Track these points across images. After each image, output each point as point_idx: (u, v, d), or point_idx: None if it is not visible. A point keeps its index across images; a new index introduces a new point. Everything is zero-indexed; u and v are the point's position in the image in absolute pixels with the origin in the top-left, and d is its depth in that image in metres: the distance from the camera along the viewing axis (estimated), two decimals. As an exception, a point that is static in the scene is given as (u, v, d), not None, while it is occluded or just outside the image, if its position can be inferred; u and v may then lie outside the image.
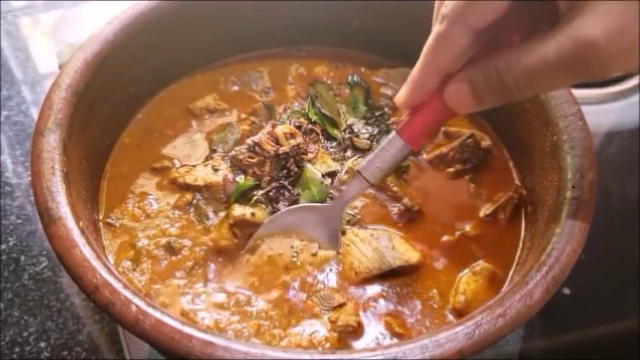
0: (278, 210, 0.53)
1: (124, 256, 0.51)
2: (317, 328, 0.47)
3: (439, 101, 0.42)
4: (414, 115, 0.44)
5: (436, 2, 0.41)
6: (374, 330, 0.47)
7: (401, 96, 0.44)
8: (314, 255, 0.51)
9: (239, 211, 0.52)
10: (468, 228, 0.54)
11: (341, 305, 0.48)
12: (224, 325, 0.46)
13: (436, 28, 0.39)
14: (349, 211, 0.54)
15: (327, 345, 0.46)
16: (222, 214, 0.53)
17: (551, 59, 0.35)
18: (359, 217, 0.54)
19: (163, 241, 0.52)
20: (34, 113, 0.86)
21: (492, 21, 0.37)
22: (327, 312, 0.48)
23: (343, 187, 0.53)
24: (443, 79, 0.41)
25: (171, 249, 0.51)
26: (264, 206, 0.54)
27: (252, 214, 0.52)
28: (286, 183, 0.55)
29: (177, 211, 0.54)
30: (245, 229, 0.52)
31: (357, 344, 0.46)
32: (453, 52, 0.39)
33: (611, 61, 0.34)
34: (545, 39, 0.35)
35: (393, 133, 0.45)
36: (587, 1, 0.34)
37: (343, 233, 0.52)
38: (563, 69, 0.35)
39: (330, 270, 0.50)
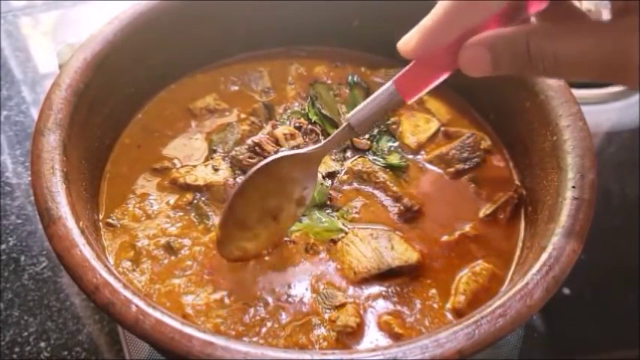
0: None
1: (124, 256, 0.51)
2: (316, 327, 0.47)
3: (448, 58, 0.39)
4: (416, 66, 0.42)
5: None
6: (373, 330, 0.47)
7: (408, 43, 0.39)
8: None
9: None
10: (467, 228, 0.54)
11: (342, 305, 0.48)
12: (224, 324, 0.46)
13: None
14: (349, 210, 0.55)
15: (325, 344, 0.46)
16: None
17: (589, 56, 0.34)
18: (359, 216, 0.54)
19: (163, 241, 0.52)
20: (34, 113, 0.86)
21: None
22: (328, 311, 0.48)
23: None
24: (460, 37, 0.38)
25: (171, 249, 0.51)
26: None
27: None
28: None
29: (177, 211, 0.54)
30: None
31: (357, 343, 0.46)
32: (485, 11, 0.36)
33: None
34: (590, 33, 0.34)
35: (390, 83, 0.43)
36: None
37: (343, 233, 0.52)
38: (598, 68, 0.34)
39: (330, 269, 0.50)
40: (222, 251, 0.48)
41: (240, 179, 0.55)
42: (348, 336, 0.46)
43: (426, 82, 0.42)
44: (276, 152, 0.56)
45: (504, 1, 0.36)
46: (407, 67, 0.42)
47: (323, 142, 0.48)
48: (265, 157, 0.55)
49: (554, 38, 0.35)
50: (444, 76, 0.42)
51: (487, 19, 0.37)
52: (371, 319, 0.48)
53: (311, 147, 0.49)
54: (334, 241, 0.52)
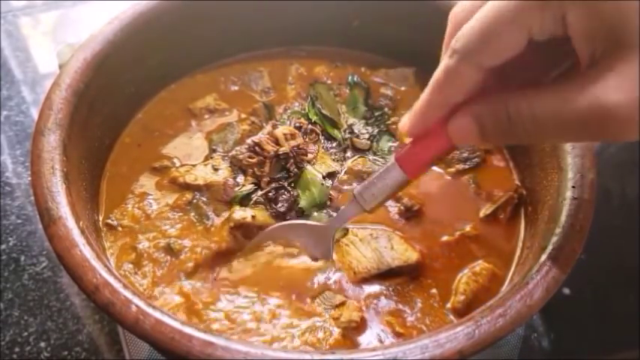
0: (278, 211, 0.53)
1: (126, 259, 0.51)
2: (320, 326, 0.47)
3: (443, 132, 0.40)
4: (415, 144, 0.43)
5: (447, 33, 0.40)
6: (376, 327, 0.47)
7: (405, 124, 0.42)
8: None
9: (239, 214, 0.52)
10: (467, 228, 0.54)
11: (342, 303, 0.48)
12: (225, 325, 0.46)
13: (445, 62, 0.37)
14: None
15: (332, 341, 0.46)
16: (224, 214, 0.53)
17: (565, 116, 0.33)
18: (358, 216, 0.54)
19: (163, 242, 0.52)
20: (34, 113, 0.86)
21: (505, 61, 0.35)
22: (329, 310, 0.48)
23: (340, 209, 0.52)
24: (449, 111, 0.39)
25: (171, 250, 0.51)
26: (264, 208, 0.54)
27: (253, 216, 0.52)
28: (286, 184, 0.55)
29: (177, 212, 0.54)
30: (246, 232, 0.52)
31: (362, 339, 0.46)
32: (462, 88, 0.37)
33: (632, 130, 0.32)
34: (563, 93, 0.33)
35: (393, 160, 0.44)
36: (613, 62, 0.31)
37: (343, 233, 0.52)
38: (577, 128, 0.33)
39: (330, 271, 0.50)
40: None
41: (240, 179, 0.56)
42: (353, 331, 0.46)
43: (427, 157, 0.43)
44: (276, 152, 0.56)
45: (482, 74, 0.36)
46: (408, 145, 0.43)
47: (333, 218, 0.50)
48: (265, 157, 0.55)
49: (532, 102, 0.34)
50: (445, 151, 0.42)
51: (471, 93, 0.38)
52: (371, 315, 0.48)
53: (322, 223, 0.51)
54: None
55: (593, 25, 0.32)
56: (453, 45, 0.36)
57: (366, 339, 0.47)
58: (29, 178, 0.62)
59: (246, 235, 0.52)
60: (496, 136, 0.37)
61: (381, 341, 0.46)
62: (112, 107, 0.59)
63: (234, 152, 0.57)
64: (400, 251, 0.50)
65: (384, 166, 0.44)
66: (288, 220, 0.53)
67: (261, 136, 0.57)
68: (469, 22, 0.35)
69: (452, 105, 0.39)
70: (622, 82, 0.31)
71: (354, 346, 0.46)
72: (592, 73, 0.32)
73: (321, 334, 0.46)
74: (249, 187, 0.55)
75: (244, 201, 0.54)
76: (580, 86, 0.32)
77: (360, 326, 0.47)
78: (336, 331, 0.46)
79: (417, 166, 0.43)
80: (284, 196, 0.54)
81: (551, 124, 0.34)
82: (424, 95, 0.40)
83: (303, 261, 0.51)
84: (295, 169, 0.56)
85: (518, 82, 0.37)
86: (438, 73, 0.38)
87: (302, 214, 0.54)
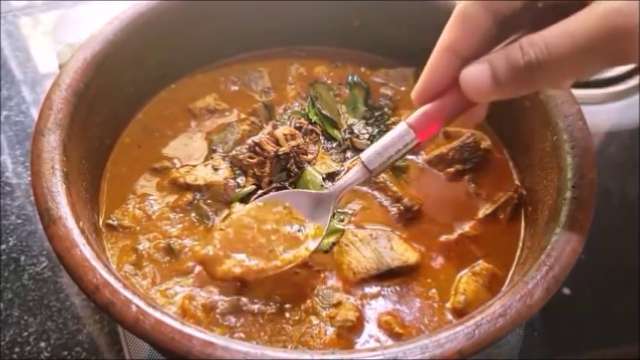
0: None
1: (126, 260, 0.51)
2: (316, 325, 0.47)
3: (454, 93, 0.40)
4: (426, 106, 0.42)
5: None
6: (373, 328, 0.47)
7: (417, 88, 0.41)
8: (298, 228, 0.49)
9: (239, 209, 0.52)
10: (467, 228, 0.54)
11: (339, 303, 0.48)
12: (225, 325, 0.46)
13: (460, 7, 0.37)
14: (348, 211, 0.55)
15: (326, 340, 0.46)
16: (224, 212, 0.53)
17: (578, 38, 0.33)
18: (358, 217, 0.54)
19: (164, 242, 0.52)
20: (34, 113, 0.86)
21: (516, 10, 0.35)
22: (326, 309, 0.48)
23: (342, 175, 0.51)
24: (458, 71, 0.39)
25: (171, 251, 0.51)
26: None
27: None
28: (286, 184, 0.55)
29: (177, 212, 0.54)
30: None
31: (357, 339, 0.46)
32: (473, 33, 0.37)
33: None
34: (573, 18, 0.33)
35: (402, 122, 0.44)
36: None
37: (340, 233, 0.52)
38: (592, 49, 0.33)
39: (329, 270, 0.50)
40: (211, 270, 0.47)
41: (240, 180, 0.56)
42: (349, 330, 0.46)
43: (440, 120, 0.42)
44: (276, 152, 0.56)
45: (493, 21, 0.36)
46: (420, 109, 0.43)
47: (336, 183, 0.49)
48: (265, 158, 0.55)
49: (544, 33, 0.34)
50: (456, 111, 0.42)
51: (481, 44, 0.38)
52: (370, 315, 0.48)
53: (324, 191, 0.50)
54: (333, 242, 0.52)
55: None
56: None
57: (362, 339, 0.46)
58: (29, 178, 0.62)
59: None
60: (510, 80, 0.36)
61: (377, 341, 0.46)
62: (112, 107, 0.59)
63: (234, 152, 0.57)
64: (400, 251, 0.50)
65: (392, 129, 0.44)
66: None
67: (261, 137, 0.57)
68: None
69: (463, 57, 0.38)
70: None
71: (349, 345, 0.46)
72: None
73: (315, 333, 0.46)
74: (249, 187, 0.55)
75: (245, 201, 0.54)
76: (590, 7, 0.32)
77: (357, 326, 0.47)
78: (331, 330, 0.46)
79: (427, 127, 0.43)
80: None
81: (565, 50, 0.33)
82: (435, 49, 0.39)
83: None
84: (295, 170, 0.56)
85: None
86: (449, 21, 0.37)
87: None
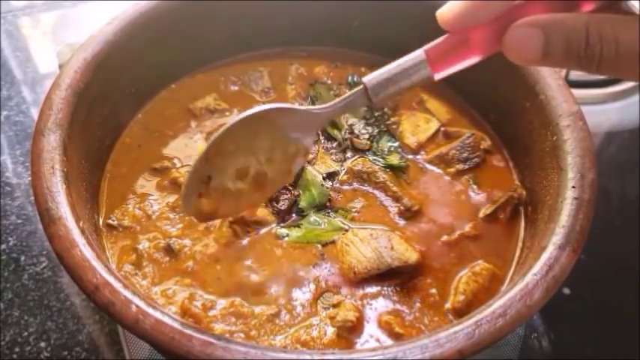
0: (278, 210, 0.53)
1: (126, 260, 0.51)
2: (316, 325, 0.47)
3: (487, 34, 0.36)
4: (449, 37, 0.38)
5: None
6: (373, 328, 0.47)
7: (447, 13, 0.36)
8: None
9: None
10: (467, 228, 0.54)
11: (339, 303, 0.48)
12: (225, 325, 0.46)
13: None
14: (350, 209, 0.55)
15: (326, 340, 0.46)
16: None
17: None
18: (358, 216, 0.55)
19: (164, 242, 0.52)
20: (34, 113, 0.86)
21: None
22: (325, 309, 0.48)
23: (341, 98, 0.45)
24: (502, 16, 0.35)
25: (171, 251, 0.51)
26: (264, 205, 0.54)
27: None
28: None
29: (177, 212, 0.54)
30: (246, 227, 0.52)
31: (357, 339, 0.46)
32: None
33: None
34: None
35: (420, 52, 0.39)
36: None
37: (342, 231, 0.52)
38: None
39: (329, 270, 0.50)
40: (187, 206, 0.45)
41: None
42: (349, 331, 0.46)
43: (459, 58, 0.38)
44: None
45: None
46: (441, 39, 0.38)
47: (332, 102, 0.44)
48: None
49: (617, 27, 0.32)
50: (479, 57, 0.38)
51: None
52: (370, 315, 0.48)
53: (317, 106, 0.45)
54: (334, 242, 0.52)
55: None
56: None
57: (362, 339, 0.46)
58: (29, 178, 0.62)
59: (245, 230, 0.52)
60: (562, 57, 0.34)
61: (377, 341, 0.46)
62: (112, 107, 0.59)
63: (234, 152, 0.57)
64: (400, 251, 0.50)
65: (407, 57, 0.40)
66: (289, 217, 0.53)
67: (261, 136, 0.57)
68: None
69: (513, 5, 0.34)
70: None
71: (349, 345, 0.46)
72: None
73: (315, 333, 0.46)
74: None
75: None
76: None
77: (357, 326, 0.47)
78: (331, 330, 0.46)
79: (445, 64, 0.39)
80: (285, 195, 0.54)
81: (634, 54, 0.31)
82: None
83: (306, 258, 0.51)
84: (295, 169, 0.56)
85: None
86: None
87: (302, 213, 0.54)
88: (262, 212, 0.53)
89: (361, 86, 0.41)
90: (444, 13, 0.37)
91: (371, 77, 0.41)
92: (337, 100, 0.44)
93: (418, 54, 0.39)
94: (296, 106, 0.45)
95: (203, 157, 0.44)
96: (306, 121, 0.44)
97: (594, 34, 0.32)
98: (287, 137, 0.45)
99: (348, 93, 0.42)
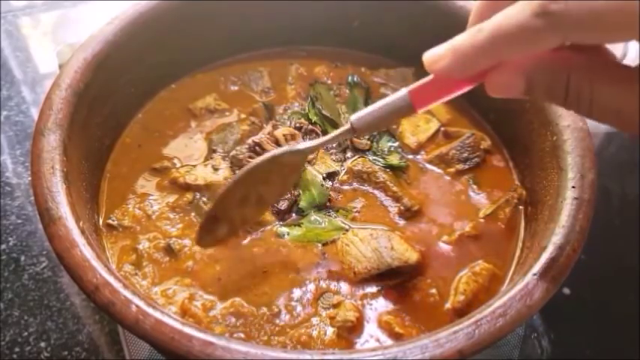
0: (278, 210, 0.53)
1: (126, 260, 0.51)
2: (316, 325, 0.47)
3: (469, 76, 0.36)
4: (434, 79, 0.39)
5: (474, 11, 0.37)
6: (373, 328, 0.47)
7: (437, 62, 0.36)
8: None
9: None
10: (467, 228, 0.54)
11: (339, 303, 0.48)
12: (225, 325, 0.46)
13: (525, 18, 0.31)
14: (350, 209, 0.55)
15: (326, 340, 0.46)
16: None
17: (627, 109, 0.31)
18: (359, 216, 0.55)
19: (164, 242, 0.52)
20: (34, 113, 0.86)
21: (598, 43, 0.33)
22: (326, 309, 0.48)
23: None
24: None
25: (171, 251, 0.51)
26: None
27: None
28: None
29: (177, 212, 0.54)
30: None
31: (357, 339, 0.46)
32: (531, 50, 0.33)
33: None
34: (632, 86, 0.31)
35: (404, 90, 0.41)
36: None
37: (342, 231, 0.52)
38: (633, 123, 0.32)
39: (329, 270, 0.50)
40: (202, 244, 0.49)
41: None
42: (349, 331, 0.46)
43: (442, 95, 0.40)
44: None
45: (554, 46, 0.32)
46: (425, 80, 0.40)
47: (319, 140, 0.47)
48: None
49: (597, 81, 0.32)
50: (462, 92, 0.39)
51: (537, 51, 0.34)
52: (370, 315, 0.48)
53: (307, 144, 0.47)
54: (334, 241, 0.52)
55: None
56: (547, 6, 0.30)
57: (362, 339, 0.46)
58: (29, 178, 0.62)
59: (245, 230, 0.52)
60: (542, 98, 0.35)
61: (377, 341, 0.46)
62: (112, 107, 0.59)
63: (234, 152, 0.57)
64: (400, 251, 0.50)
65: (391, 99, 0.41)
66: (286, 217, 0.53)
67: (261, 137, 0.57)
68: None
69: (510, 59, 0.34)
70: None
71: (349, 345, 0.46)
72: None
73: (315, 333, 0.46)
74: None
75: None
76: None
77: (357, 326, 0.47)
78: (331, 331, 0.46)
79: (428, 101, 0.40)
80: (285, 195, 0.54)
81: (608, 110, 0.32)
82: (479, 39, 0.33)
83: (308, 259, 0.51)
84: (295, 169, 0.56)
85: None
86: (508, 26, 0.32)
87: (301, 213, 0.54)
88: (262, 212, 0.53)
89: (348, 126, 0.43)
90: (432, 60, 0.36)
91: (357, 117, 0.43)
92: (326, 137, 0.46)
93: (402, 96, 0.41)
94: (290, 147, 0.48)
95: (211, 214, 0.47)
96: (301, 156, 0.47)
97: (574, 86, 0.33)
98: (283, 166, 0.47)
99: (337, 132, 0.45)
